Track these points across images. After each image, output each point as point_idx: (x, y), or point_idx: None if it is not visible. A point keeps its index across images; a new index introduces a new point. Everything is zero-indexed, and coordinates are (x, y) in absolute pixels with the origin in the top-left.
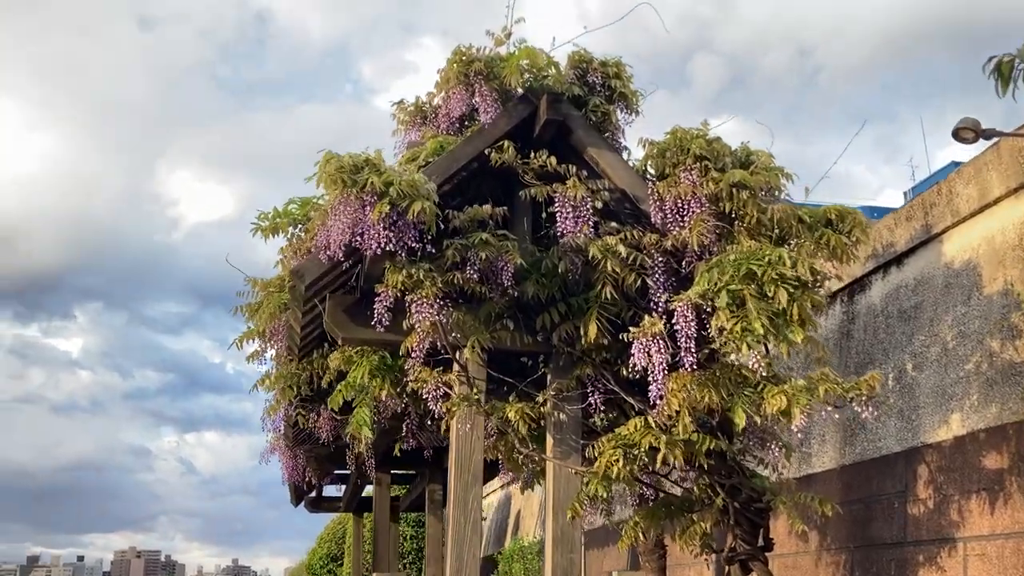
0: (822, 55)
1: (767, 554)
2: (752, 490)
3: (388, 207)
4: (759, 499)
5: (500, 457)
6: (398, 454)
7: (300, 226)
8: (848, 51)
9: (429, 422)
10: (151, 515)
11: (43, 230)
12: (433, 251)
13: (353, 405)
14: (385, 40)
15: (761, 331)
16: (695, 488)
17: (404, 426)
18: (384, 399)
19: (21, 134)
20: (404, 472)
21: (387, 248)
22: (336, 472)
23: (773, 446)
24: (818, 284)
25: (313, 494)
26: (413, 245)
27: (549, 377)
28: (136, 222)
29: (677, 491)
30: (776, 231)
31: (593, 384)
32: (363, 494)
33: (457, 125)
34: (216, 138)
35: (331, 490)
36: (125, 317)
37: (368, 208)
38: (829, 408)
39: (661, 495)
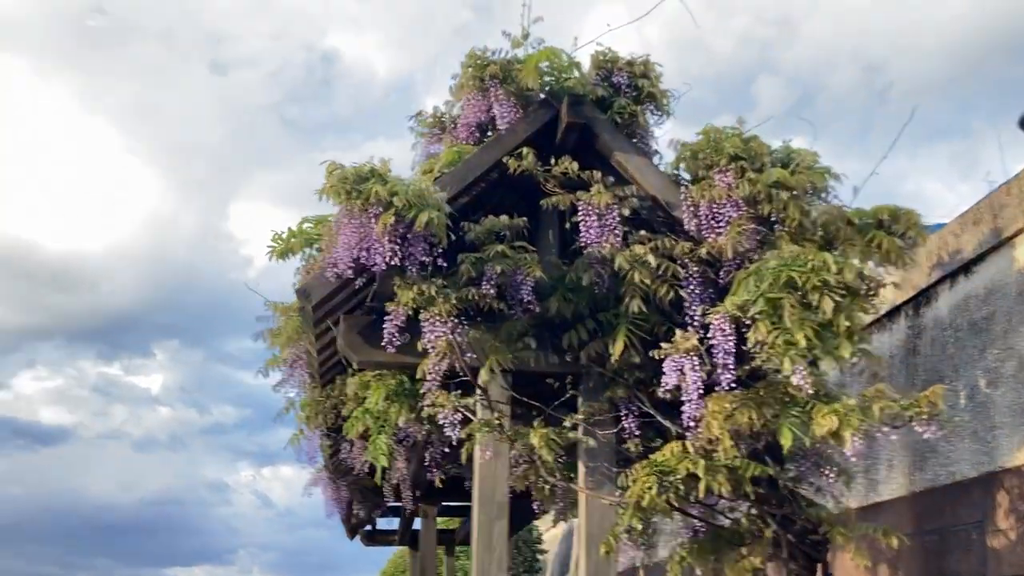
0: (891, 71)
1: None
2: (807, 521)
3: (393, 218)
4: (815, 531)
5: (529, 487)
6: (439, 484)
7: (315, 245)
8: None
9: (447, 450)
10: (230, 548)
11: (123, 271)
12: (446, 266)
13: (369, 433)
14: (448, 74)
15: (803, 343)
16: (743, 519)
17: (428, 455)
18: (403, 426)
19: (108, 179)
20: (455, 504)
21: (394, 263)
22: (390, 504)
23: (829, 472)
24: (871, 292)
25: (368, 527)
26: (423, 259)
27: (579, 400)
28: (211, 261)
29: (727, 522)
30: (821, 235)
31: (626, 407)
32: (415, 527)
33: (477, 134)
34: (286, 177)
35: (389, 523)
36: (202, 354)
37: (374, 220)
38: (885, 429)
39: (709, 528)
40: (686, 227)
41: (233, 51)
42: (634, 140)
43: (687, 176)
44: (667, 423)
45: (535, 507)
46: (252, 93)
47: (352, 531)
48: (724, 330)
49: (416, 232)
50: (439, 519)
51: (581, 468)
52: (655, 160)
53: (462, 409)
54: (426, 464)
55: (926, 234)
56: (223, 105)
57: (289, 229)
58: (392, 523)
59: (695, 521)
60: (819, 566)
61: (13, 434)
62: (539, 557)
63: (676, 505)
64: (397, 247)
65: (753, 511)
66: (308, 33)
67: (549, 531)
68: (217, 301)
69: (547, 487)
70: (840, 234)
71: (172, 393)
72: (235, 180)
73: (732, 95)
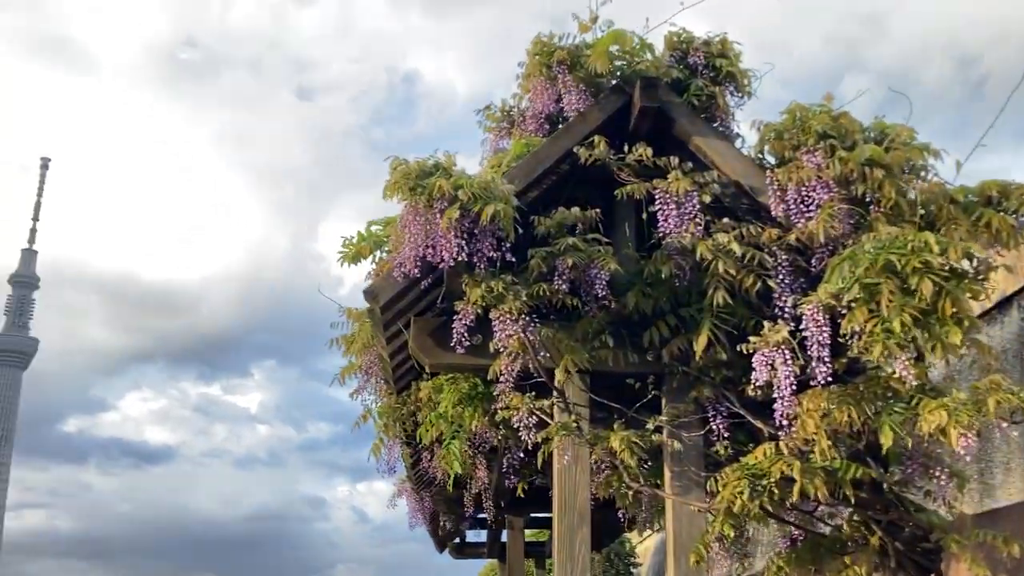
0: (986, 64)
1: None
2: (917, 527)
3: (459, 213)
4: (927, 538)
5: (613, 495)
6: (522, 494)
7: (383, 247)
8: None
9: (524, 456)
10: (330, 563)
11: (220, 294)
12: (516, 261)
13: (442, 439)
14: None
15: (900, 330)
16: (845, 526)
17: (505, 462)
18: (476, 431)
19: (203, 204)
20: (544, 516)
21: (461, 259)
22: (478, 516)
23: (939, 474)
24: (981, 276)
25: (457, 540)
26: (491, 255)
27: (664, 401)
28: (303, 282)
29: (828, 530)
30: (921, 215)
31: (714, 407)
32: (503, 539)
33: (547, 126)
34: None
35: (477, 535)
36: (297, 372)
37: (439, 216)
38: (1004, 424)
39: (808, 535)
40: (773, 213)
41: (318, 77)
42: (714, 123)
43: (772, 159)
44: (758, 423)
45: (620, 516)
46: (337, 117)
47: (441, 544)
48: (818, 320)
49: (483, 227)
50: (528, 531)
51: (667, 473)
52: (737, 143)
53: (538, 412)
54: (504, 471)
55: None
56: (310, 129)
57: (359, 233)
58: (480, 535)
59: (792, 528)
60: None
61: (121, 453)
62: (632, 570)
63: (770, 511)
64: (463, 242)
65: (856, 517)
66: (389, 56)
67: (642, 543)
68: (310, 320)
69: (631, 493)
70: (942, 213)
71: (269, 411)
72: (324, 202)
73: (818, 96)
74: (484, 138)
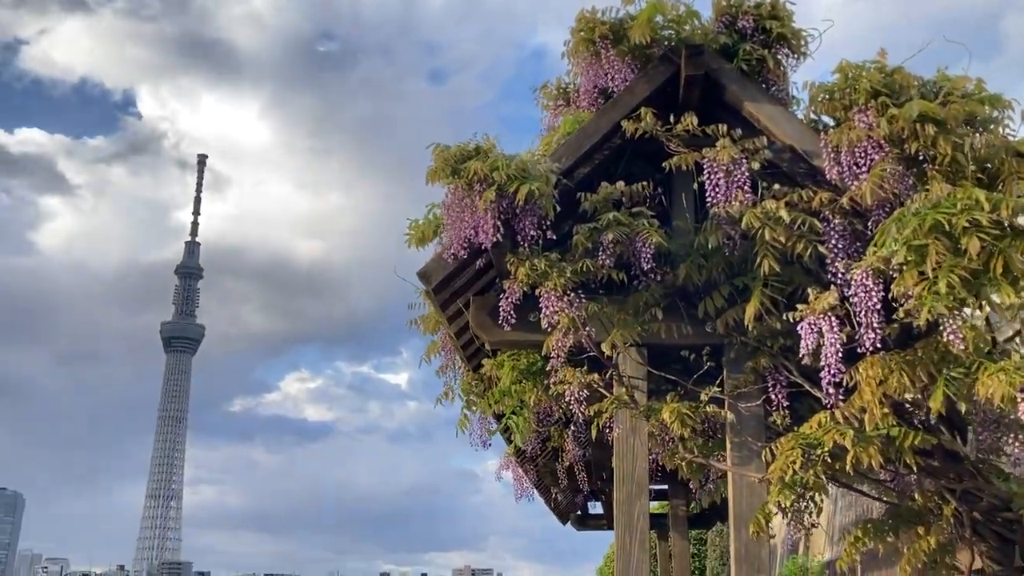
0: None
1: None
2: (996, 497)
3: (494, 194)
4: (1007, 508)
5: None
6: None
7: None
8: None
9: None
10: (482, 535)
11: (367, 278)
12: (563, 238)
13: (503, 412)
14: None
15: (946, 292)
16: (918, 495)
17: (571, 434)
18: (536, 405)
19: (349, 191)
20: (659, 487)
21: (497, 240)
22: (592, 489)
23: (1016, 441)
24: None
25: (579, 512)
26: (533, 233)
27: (724, 372)
28: None
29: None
30: (980, 170)
31: (773, 377)
32: None
33: (601, 100)
34: None
35: (595, 507)
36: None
37: (478, 199)
38: None
39: (887, 505)
40: (827, 176)
41: (447, 58)
42: (766, 87)
43: (831, 121)
44: (817, 392)
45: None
46: (468, 96)
47: (562, 516)
48: (867, 285)
49: (523, 207)
50: (654, 503)
51: (728, 443)
52: (794, 107)
53: (590, 386)
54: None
55: None
56: (443, 111)
57: (427, 217)
58: (600, 508)
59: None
60: (1016, 548)
61: (283, 431)
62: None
63: (823, 480)
64: (499, 223)
65: (929, 487)
66: (516, 32)
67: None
68: None
69: (684, 464)
70: (1004, 167)
71: (418, 387)
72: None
73: (975, 38)
74: (543, 116)
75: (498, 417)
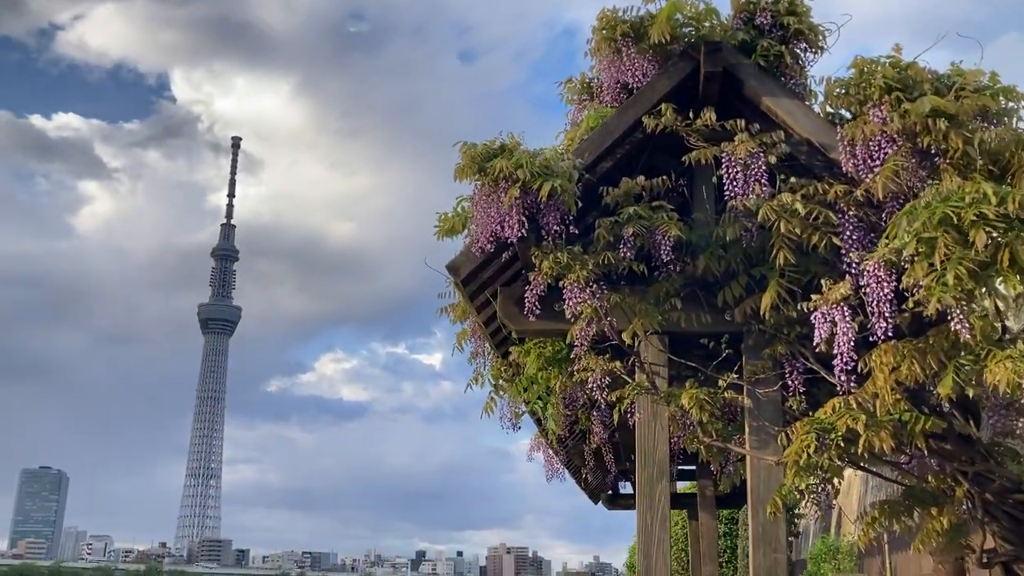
0: None
1: None
2: (1008, 479)
3: (519, 191)
4: (1018, 489)
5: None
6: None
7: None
8: None
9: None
10: (517, 514)
11: (400, 259)
12: (586, 232)
13: (527, 400)
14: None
15: (954, 284)
16: (931, 478)
17: (597, 417)
18: (561, 391)
19: (380, 171)
20: (685, 468)
21: (524, 234)
22: (622, 469)
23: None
24: None
25: (610, 491)
26: (556, 228)
27: (744, 359)
28: None
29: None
30: (992, 165)
31: (790, 363)
32: None
33: (624, 96)
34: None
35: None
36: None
37: (503, 195)
38: None
39: (903, 488)
40: (844, 169)
41: (479, 39)
42: (784, 82)
43: (848, 115)
44: (832, 379)
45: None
46: (499, 77)
47: (593, 496)
48: (879, 276)
49: (547, 202)
50: (682, 484)
51: (747, 428)
52: (812, 101)
53: (612, 372)
54: (591, 427)
55: None
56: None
57: (456, 210)
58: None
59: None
60: None
61: (321, 410)
62: (796, 521)
63: (837, 463)
64: (524, 219)
65: (943, 470)
66: (548, 11)
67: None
68: None
69: (703, 448)
70: (1015, 161)
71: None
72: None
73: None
74: (568, 110)
75: (527, 401)
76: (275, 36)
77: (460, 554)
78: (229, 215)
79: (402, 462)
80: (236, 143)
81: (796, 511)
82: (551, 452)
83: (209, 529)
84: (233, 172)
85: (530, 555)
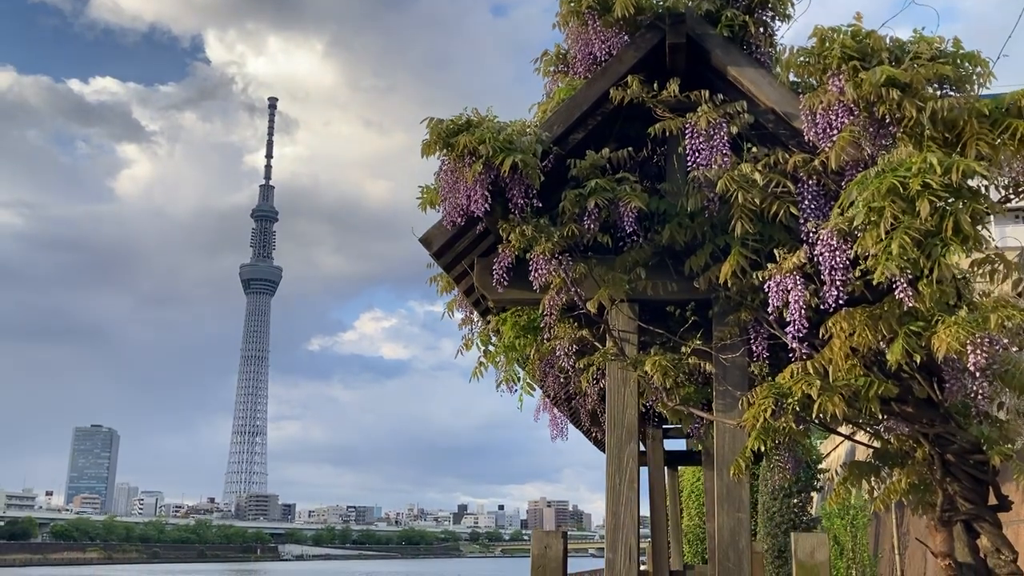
0: None
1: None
2: (967, 441)
3: (482, 167)
4: (978, 450)
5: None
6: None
7: None
8: None
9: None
10: (557, 468)
11: (435, 216)
12: (540, 205)
13: (505, 368)
14: None
15: (898, 252)
16: (892, 439)
17: (587, 379)
18: (537, 357)
19: (414, 129)
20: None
21: (488, 208)
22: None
23: (977, 389)
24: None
25: None
26: (520, 201)
27: (713, 326)
28: None
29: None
30: (947, 133)
31: (754, 329)
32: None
33: (596, 67)
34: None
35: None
36: None
37: (469, 170)
38: (1006, 341)
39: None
40: (806, 137)
41: None
42: (751, 51)
43: (814, 83)
44: (794, 344)
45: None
46: (532, 28)
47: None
48: (832, 245)
49: (512, 176)
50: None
51: (713, 392)
52: (779, 69)
53: (580, 340)
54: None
55: None
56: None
57: (437, 183)
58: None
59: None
60: (989, 488)
61: (362, 368)
62: (818, 476)
63: (795, 427)
64: (488, 193)
65: (903, 431)
66: None
67: (835, 449)
68: None
69: (669, 411)
70: (968, 129)
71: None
72: (525, 118)
73: None
74: (545, 81)
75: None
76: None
77: (501, 508)
78: (268, 176)
79: (443, 418)
80: (273, 104)
81: (819, 466)
82: (557, 412)
83: (256, 485)
84: (271, 133)
85: (570, 508)
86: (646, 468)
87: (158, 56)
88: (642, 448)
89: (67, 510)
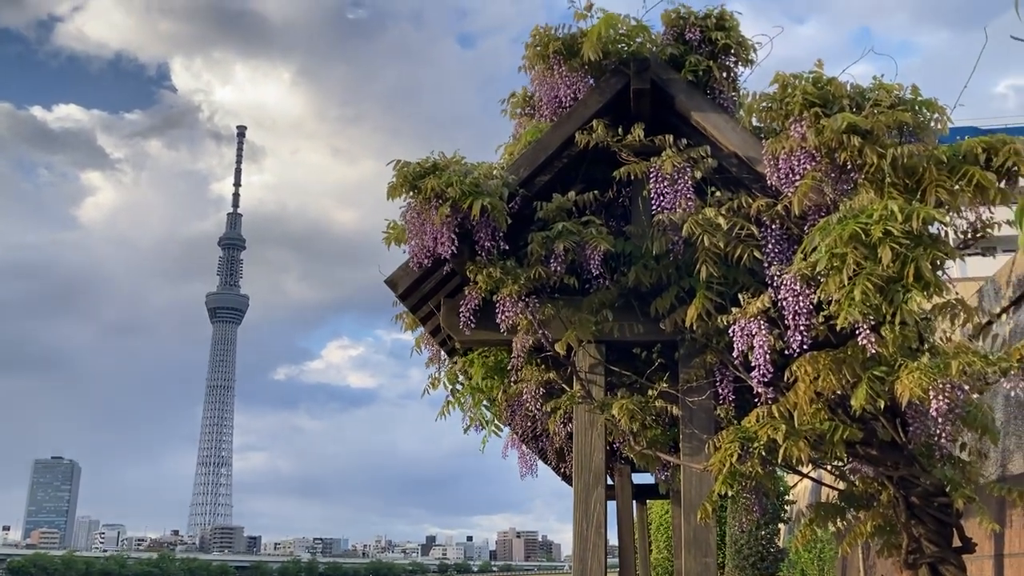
0: None
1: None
2: (931, 484)
3: (449, 209)
4: (942, 492)
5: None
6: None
7: None
8: None
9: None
10: (527, 498)
11: (393, 252)
12: (520, 246)
13: (473, 409)
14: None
15: (860, 299)
16: (858, 482)
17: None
18: (505, 399)
19: (382, 157)
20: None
21: (455, 251)
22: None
23: (940, 434)
24: (978, 234)
25: None
26: (487, 244)
27: (679, 368)
28: None
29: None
30: (908, 179)
31: (720, 372)
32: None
33: (561, 111)
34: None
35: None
36: None
37: (435, 213)
38: (967, 388)
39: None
40: (769, 182)
41: (478, 23)
42: (715, 96)
43: (777, 127)
44: (760, 388)
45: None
46: (500, 60)
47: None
48: (795, 290)
49: (479, 219)
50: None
51: (680, 435)
52: (741, 113)
53: (553, 381)
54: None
55: None
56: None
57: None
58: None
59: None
60: (952, 530)
61: (328, 398)
62: (786, 508)
63: (761, 471)
64: (455, 236)
65: (868, 474)
66: None
67: (799, 482)
68: None
69: (651, 454)
70: (926, 175)
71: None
72: (491, 151)
73: None
74: (513, 124)
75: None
76: (274, 24)
77: (470, 539)
78: (236, 204)
79: (411, 448)
80: (241, 132)
81: (787, 497)
82: (525, 449)
83: (221, 517)
84: (239, 161)
85: (539, 539)
86: (614, 502)
87: (124, 83)
88: (610, 482)
89: (24, 546)
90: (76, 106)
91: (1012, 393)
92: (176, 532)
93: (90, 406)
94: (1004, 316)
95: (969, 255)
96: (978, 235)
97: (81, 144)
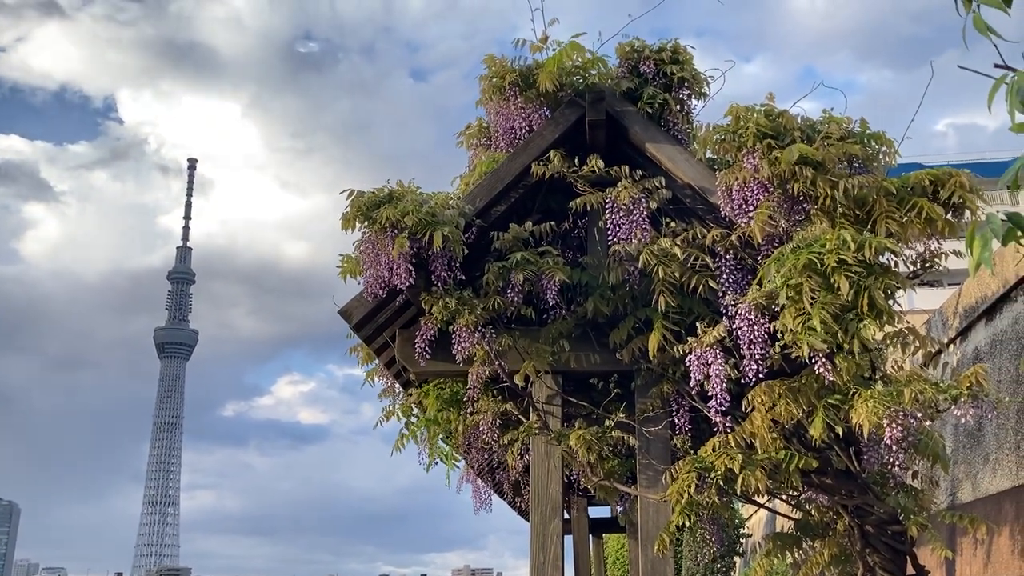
0: None
1: None
2: (885, 512)
3: (407, 240)
4: (897, 521)
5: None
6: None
7: None
8: None
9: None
10: (481, 534)
11: (347, 284)
12: (475, 276)
13: (419, 442)
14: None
15: (820, 328)
16: (814, 511)
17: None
18: (461, 431)
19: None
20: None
21: (411, 282)
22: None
23: (895, 462)
24: (927, 264)
25: None
26: (443, 274)
27: (635, 398)
28: None
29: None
30: (858, 210)
31: (676, 402)
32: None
33: (517, 141)
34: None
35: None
36: None
37: (391, 243)
38: (919, 415)
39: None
40: (722, 213)
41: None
42: (669, 128)
43: (729, 159)
44: (717, 418)
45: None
46: (452, 94)
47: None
48: (750, 319)
49: (435, 249)
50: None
51: (637, 466)
52: (695, 145)
53: (504, 414)
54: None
55: (976, 198)
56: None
57: (357, 251)
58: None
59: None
60: (906, 558)
61: (279, 435)
62: (741, 540)
63: (719, 501)
64: (412, 267)
65: (823, 503)
66: (498, 28)
67: (754, 515)
68: None
69: (608, 486)
70: (877, 207)
71: None
72: (446, 184)
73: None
74: (468, 155)
75: (446, 438)
76: (224, 57)
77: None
78: (185, 237)
79: (364, 485)
80: (192, 164)
81: (742, 530)
82: (480, 483)
83: (168, 558)
84: (189, 194)
85: (495, 575)
86: (571, 536)
87: (69, 115)
88: (566, 516)
89: None
90: (19, 137)
91: (962, 421)
92: (120, 574)
93: (32, 444)
94: (952, 346)
95: (919, 285)
96: (927, 265)
97: (23, 176)
